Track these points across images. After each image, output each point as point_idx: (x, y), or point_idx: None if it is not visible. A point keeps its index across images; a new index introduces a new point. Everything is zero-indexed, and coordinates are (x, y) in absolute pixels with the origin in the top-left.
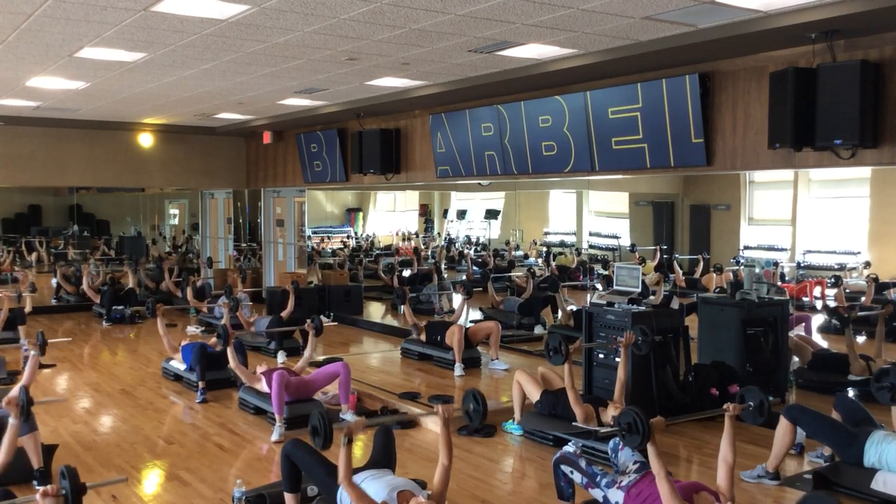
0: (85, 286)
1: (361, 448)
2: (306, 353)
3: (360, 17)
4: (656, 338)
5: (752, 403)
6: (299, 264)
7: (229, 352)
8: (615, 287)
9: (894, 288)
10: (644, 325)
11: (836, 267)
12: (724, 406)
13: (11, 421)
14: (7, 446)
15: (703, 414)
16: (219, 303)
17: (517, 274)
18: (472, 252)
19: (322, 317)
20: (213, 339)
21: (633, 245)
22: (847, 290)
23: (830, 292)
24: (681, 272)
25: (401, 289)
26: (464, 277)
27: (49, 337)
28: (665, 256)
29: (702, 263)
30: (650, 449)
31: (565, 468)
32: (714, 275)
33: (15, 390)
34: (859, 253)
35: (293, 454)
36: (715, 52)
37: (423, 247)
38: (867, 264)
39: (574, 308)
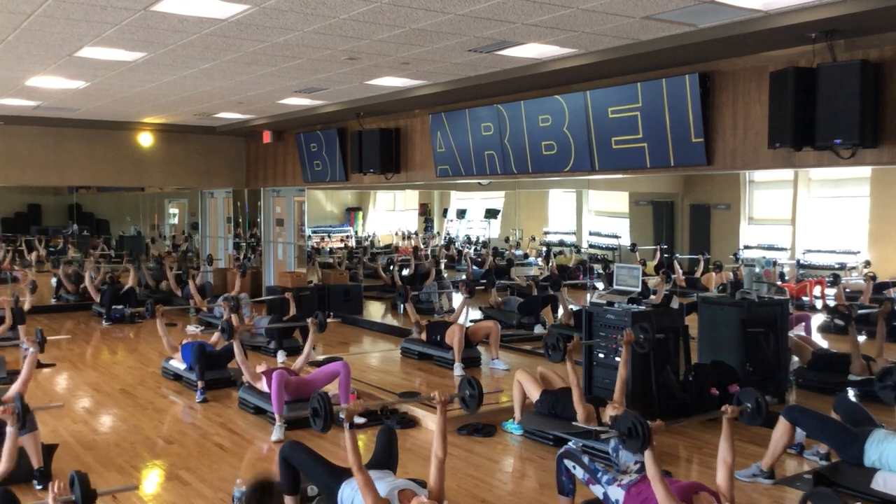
0: (87, 283)
1: (362, 448)
2: (305, 349)
3: (360, 17)
4: (658, 335)
5: (749, 405)
6: (299, 264)
7: (235, 345)
8: (615, 287)
9: (894, 287)
10: (645, 323)
11: (836, 266)
12: (722, 408)
13: (9, 429)
14: (8, 454)
15: (704, 416)
16: (219, 302)
17: (518, 280)
18: (471, 251)
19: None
20: (214, 338)
21: (633, 245)
22: (847, 290)
23: (830, 291)
24: (681, 272)
25: (403, 287)
26: (463, 277)
27: (48, 336)
28: (665, 256)
29: (702, 264)
30: (647, 453)
31: (568, 463)
32: (714, 274)
33: (11, 391)
34: (859, 252)
35: (291, 456)
36: (715, 52)
37: (422, 246)
38: (867, 263)
39: (574, 308)
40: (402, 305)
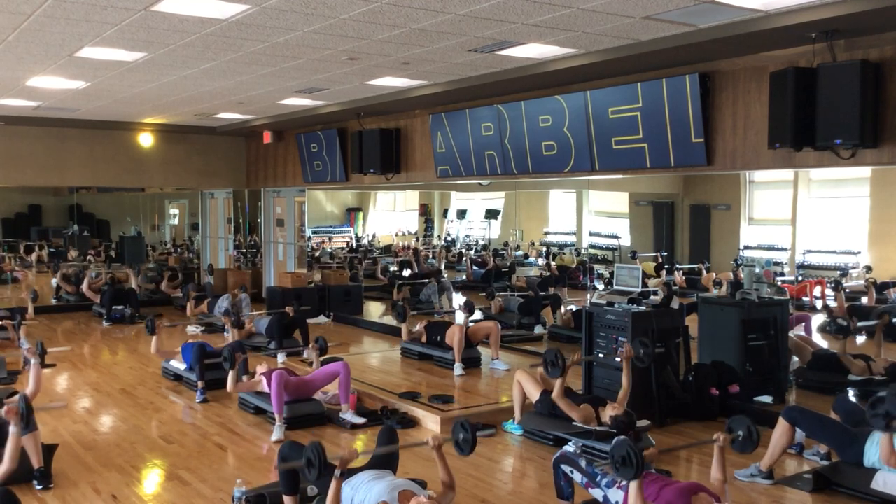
0: (85, 287)
1: (363, 447)
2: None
3: (361, 17)
4: (657, 349)
5: (740, 432)
6: (299, 264)
7: (230, 375)
8: (615, 287)
9: (894, 288)
10: (644, 338)
11: (835, 266)
12: (714, 437)
13: (12, 429)
14: (11, 453)
15: (704, 423)
16: (219, 313)
17: (519, 282)
18: (471, 252)
19: (325, 318)
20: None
21: (633, 252)
22: (847, 291)
23: (830, 292)
24: (680, 273)
25: (401, 306)
26: (464, 277)
27: (48, 338)
28: (666, 266)
29: (704, 273)
30: (633, 483)
31: (565, 467)
32: (713, 275)
33: (16, 399)
34: (859, 253)
35: (291, 456)
36: (715, 52)
37: (422, 248)
38: (868, 269)
39: (574, 308)
40: (401, 324)
